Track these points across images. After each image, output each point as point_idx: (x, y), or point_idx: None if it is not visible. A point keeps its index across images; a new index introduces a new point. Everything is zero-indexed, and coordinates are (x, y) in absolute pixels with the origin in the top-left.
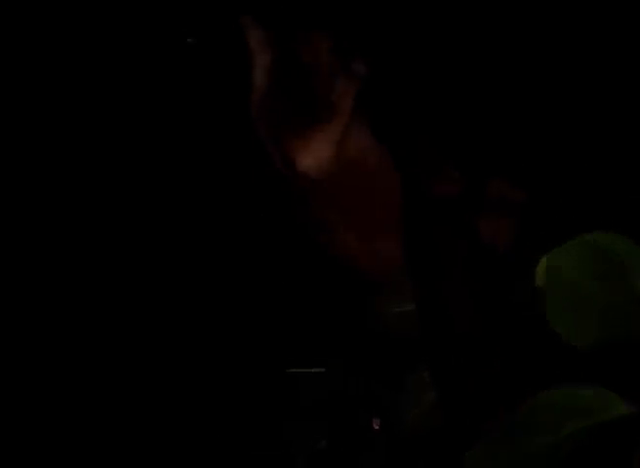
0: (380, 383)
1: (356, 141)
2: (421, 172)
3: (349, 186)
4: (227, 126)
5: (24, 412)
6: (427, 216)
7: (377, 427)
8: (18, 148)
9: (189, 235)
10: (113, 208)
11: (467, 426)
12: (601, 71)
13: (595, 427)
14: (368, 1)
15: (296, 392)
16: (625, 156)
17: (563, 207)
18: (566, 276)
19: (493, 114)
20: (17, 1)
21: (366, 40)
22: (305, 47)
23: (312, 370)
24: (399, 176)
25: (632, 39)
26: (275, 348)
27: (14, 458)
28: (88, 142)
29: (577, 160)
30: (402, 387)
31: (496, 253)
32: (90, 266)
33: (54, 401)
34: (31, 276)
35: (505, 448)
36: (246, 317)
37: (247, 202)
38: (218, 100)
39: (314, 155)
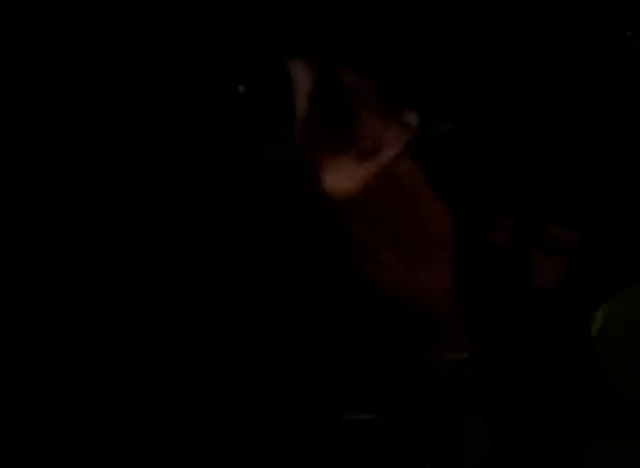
0: (432, 430)
1: (403, 170)
2: (476, 221)
3: (394, 210)
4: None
5: (24, 412)
6: (480, 264)
7: None
8: (17, 148)
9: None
10: (114, 208)
11: None
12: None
13: None
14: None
15: (347, 438)
16: None
17: (614, 249)
18: (620, 327)
19: (550, 165)
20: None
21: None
22: (346, 70)
23: (363, 417)
24: (447, 210)
25: None
26: (327, 393)
27: (14, 458)
28: (88, 142)
29: (624, 208)
30: (454, 434)
31: (547, 293)
32: (93, 267)
33: (54, 401)
34: (31, 276)
35: None
36: (297, 361)
37: (294, 238)
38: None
39: (339, 175)
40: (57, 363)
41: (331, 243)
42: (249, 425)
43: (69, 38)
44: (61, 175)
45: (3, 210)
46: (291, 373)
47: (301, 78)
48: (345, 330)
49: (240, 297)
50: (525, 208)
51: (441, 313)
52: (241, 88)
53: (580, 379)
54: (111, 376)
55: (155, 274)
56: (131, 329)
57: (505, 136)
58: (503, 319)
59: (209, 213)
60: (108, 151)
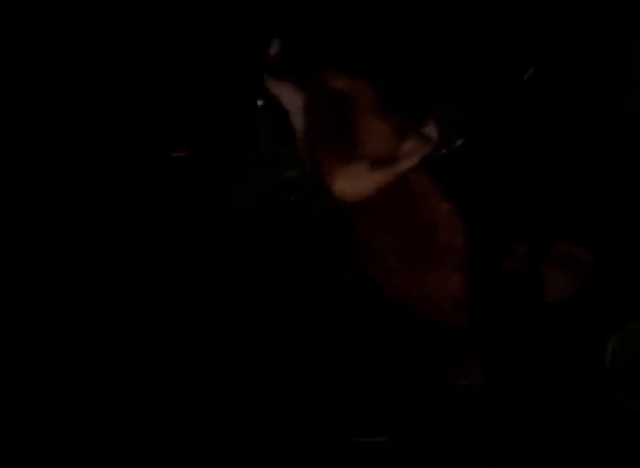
0: (445, 453)
1: (410, 174)
2: (491, 248)
3: (401, 214)
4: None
5: (24, 412)
6: (493, 288)
7: None
8: (17, 148)
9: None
10: (114, 207)
11: None
12: None
13: None
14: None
15: (358, 461)
16: None
17: (627, 267)
18: (632, 357)
19: (563, 182)
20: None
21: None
22: (333, 74)
23: (376, 439)
24: (455, 214)
25: None
26: (339, 415)
27: (14, 458)
28: (88, 142)
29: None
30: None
31: (557, 308)
32: (95, 267)
33: (54, 400)
34: (31, 276)
35: None
36: (309, 384)
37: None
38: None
39: (350, 180)
40: (57, 363)
41: (340, 249)
42: (260, 445)
43: (80, 46)
44: (62, 176)
45: (9, 211)
46: (303, 396)
47: (290, 100)
48: (357, 348)
49: (250, 311)
50: (537, 224)
51: (450, 321)
52: (260, 102)
53: (586, 391)
54: (111, 376)
55: (160, 276)
56: (132, 329)
57: (518, 153)
58: (513, 333)
59: (214, 216)
60: (108, 151)
